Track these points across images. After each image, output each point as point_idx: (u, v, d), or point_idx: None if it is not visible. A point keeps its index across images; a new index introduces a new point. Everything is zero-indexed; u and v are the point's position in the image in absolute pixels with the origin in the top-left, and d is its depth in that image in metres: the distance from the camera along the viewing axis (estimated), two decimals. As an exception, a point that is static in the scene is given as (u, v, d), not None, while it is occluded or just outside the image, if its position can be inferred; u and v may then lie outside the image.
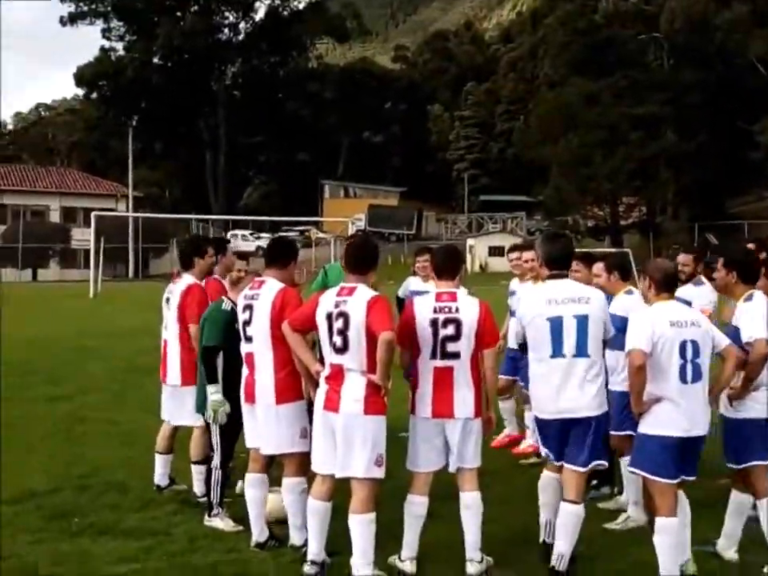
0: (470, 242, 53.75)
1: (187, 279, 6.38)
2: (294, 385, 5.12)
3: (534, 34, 78.99)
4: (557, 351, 4.81)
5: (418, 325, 4.84)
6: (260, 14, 73.27)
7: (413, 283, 8.47)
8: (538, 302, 4.93)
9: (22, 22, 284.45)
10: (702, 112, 48.31)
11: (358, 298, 4.68)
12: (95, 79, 65.52)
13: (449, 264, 5.08)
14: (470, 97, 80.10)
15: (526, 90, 75.13)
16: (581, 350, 4.79)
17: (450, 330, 4.79)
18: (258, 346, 5.17)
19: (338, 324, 4.68)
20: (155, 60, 68.59)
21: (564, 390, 4.79)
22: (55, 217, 56.91)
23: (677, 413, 4.58)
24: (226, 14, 70.08)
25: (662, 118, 48.93)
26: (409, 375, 5.04)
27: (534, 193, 61.65)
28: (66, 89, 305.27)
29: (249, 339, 5.23)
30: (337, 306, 4.73)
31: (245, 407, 5.29)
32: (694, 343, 4.62)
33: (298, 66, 74.18)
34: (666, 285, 4.82)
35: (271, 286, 5.21)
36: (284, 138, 71.70)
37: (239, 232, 58.22)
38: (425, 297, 5.04)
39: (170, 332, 6.39)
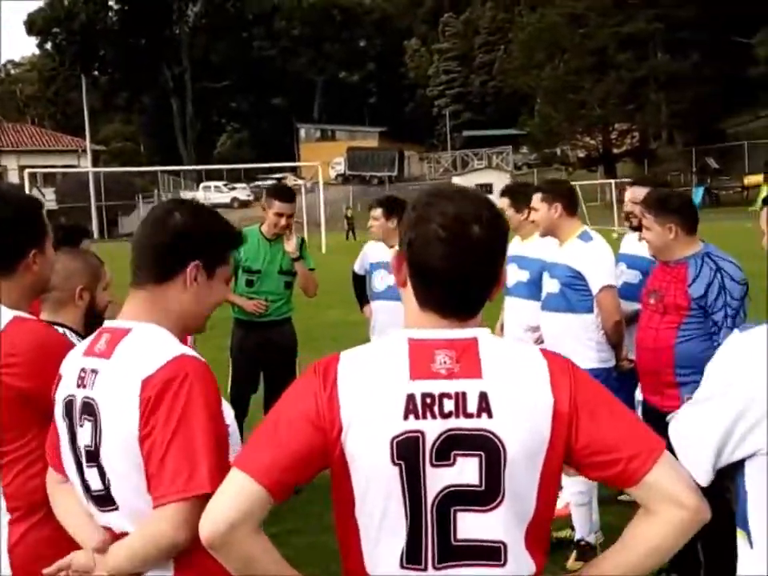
0: (455, 180, 51.20)
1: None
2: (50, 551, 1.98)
3: (512, -42, 75.59)
4: None
5: (356, 466, 1.46)
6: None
7: (371, 250, 5.44)
8: None
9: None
10: (694, 28, 45.42)
11: (130, 362, 1.74)
12: (47, 26, 61.25)
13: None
14: (448, 29, 77.13)
15: (506, 19, 72.10)
16: None
17: (461, 471, 1.43)
18: None
19: (83, 435, 1.78)
20: (110, 2, 64.38)
21: None
22: (14, 177, 53.71)
23: None
24: (183, -52, 65.75)
25: (652, 35, 45.87)
26: None
27: (520, 125, 59.03)
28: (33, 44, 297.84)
29: None
30: (81, 382, 1.79)
31: None
32: None
33: (263, 3, 70.01)
34: None
35: None
36: (254, 81, 68.17)
37: (212, 183, 56.07)
38: (391, 357, 1.51)
39: None
